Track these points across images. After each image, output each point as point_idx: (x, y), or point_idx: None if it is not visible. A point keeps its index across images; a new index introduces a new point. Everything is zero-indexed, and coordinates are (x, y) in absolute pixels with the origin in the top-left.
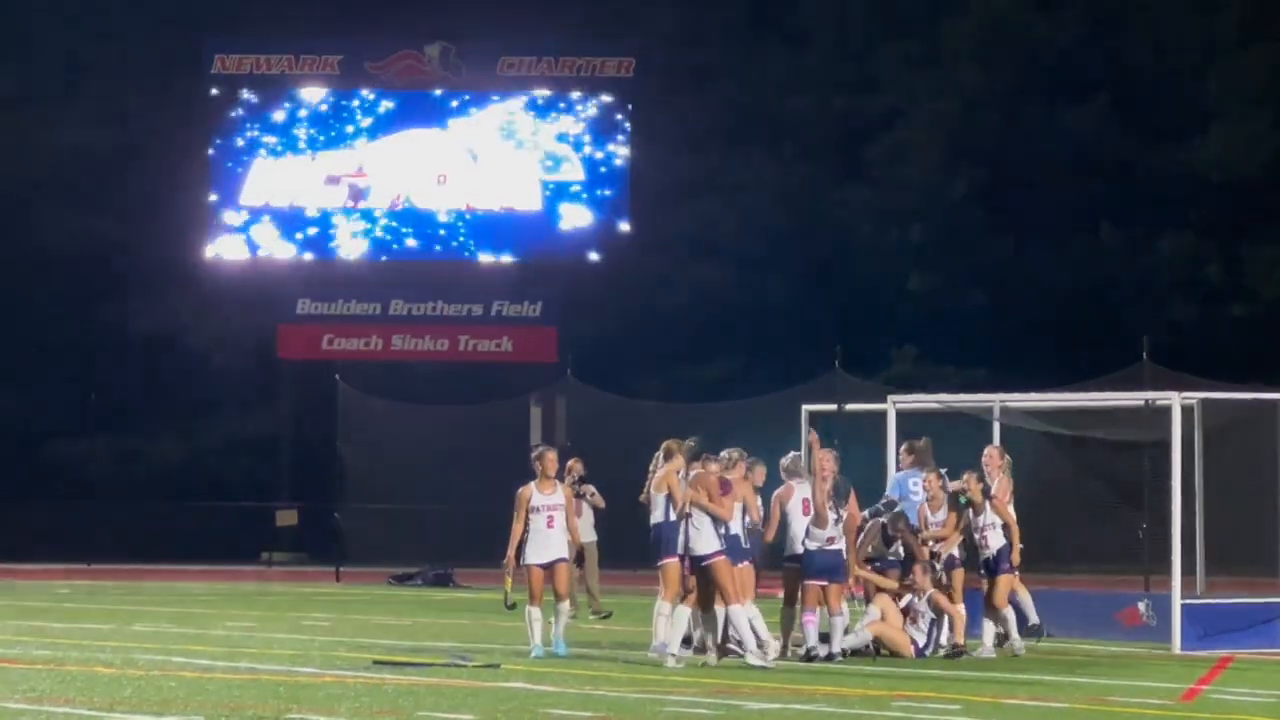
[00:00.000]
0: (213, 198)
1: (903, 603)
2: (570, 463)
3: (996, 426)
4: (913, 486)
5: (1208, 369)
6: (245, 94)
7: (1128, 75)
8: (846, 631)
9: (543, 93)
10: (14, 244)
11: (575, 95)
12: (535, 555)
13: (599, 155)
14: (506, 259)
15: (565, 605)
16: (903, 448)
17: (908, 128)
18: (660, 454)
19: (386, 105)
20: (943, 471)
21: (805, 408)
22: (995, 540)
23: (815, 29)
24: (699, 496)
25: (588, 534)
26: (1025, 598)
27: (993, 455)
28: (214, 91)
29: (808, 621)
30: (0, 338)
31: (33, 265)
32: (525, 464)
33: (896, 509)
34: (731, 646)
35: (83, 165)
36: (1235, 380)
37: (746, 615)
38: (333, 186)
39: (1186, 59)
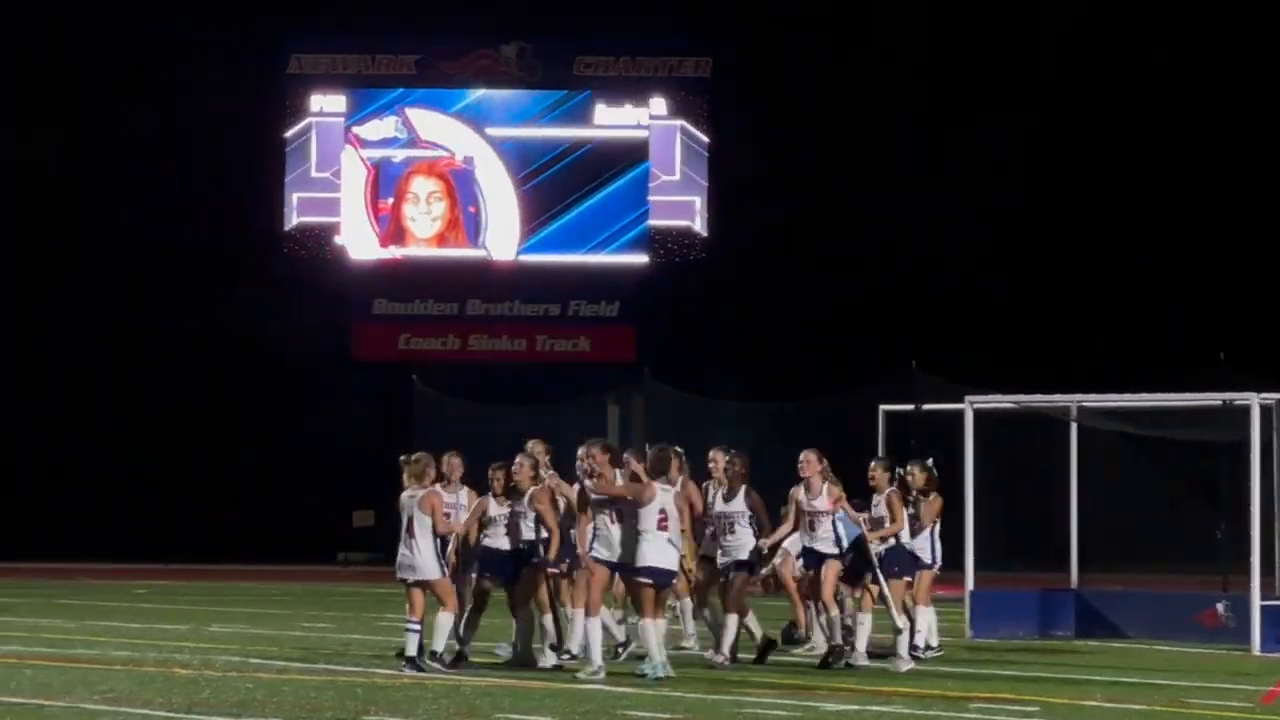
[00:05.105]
0: (289, 198)
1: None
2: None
3: (1074, 427)
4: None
5: None
6: (322, 93)
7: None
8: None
9: (620, 92)
10: (90, 243)
11: (653, 94)
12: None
13: (677, 154)
14: (583, 258)
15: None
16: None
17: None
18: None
19: (464, 104)
20: (928, 463)
21: (883, 408)
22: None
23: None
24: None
25: None
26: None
27: (810, 460)
28: (291, 91)
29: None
30: (79, 337)
31: (107, 265)
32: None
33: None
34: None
35: (158, 166)
36: None
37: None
38: (411, 186)
39: None
